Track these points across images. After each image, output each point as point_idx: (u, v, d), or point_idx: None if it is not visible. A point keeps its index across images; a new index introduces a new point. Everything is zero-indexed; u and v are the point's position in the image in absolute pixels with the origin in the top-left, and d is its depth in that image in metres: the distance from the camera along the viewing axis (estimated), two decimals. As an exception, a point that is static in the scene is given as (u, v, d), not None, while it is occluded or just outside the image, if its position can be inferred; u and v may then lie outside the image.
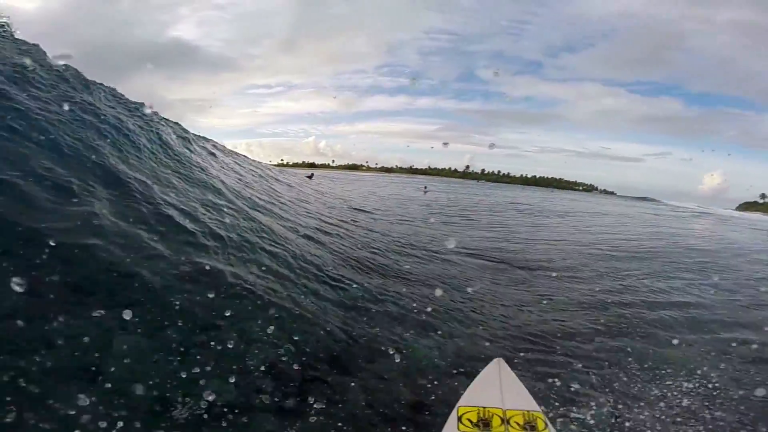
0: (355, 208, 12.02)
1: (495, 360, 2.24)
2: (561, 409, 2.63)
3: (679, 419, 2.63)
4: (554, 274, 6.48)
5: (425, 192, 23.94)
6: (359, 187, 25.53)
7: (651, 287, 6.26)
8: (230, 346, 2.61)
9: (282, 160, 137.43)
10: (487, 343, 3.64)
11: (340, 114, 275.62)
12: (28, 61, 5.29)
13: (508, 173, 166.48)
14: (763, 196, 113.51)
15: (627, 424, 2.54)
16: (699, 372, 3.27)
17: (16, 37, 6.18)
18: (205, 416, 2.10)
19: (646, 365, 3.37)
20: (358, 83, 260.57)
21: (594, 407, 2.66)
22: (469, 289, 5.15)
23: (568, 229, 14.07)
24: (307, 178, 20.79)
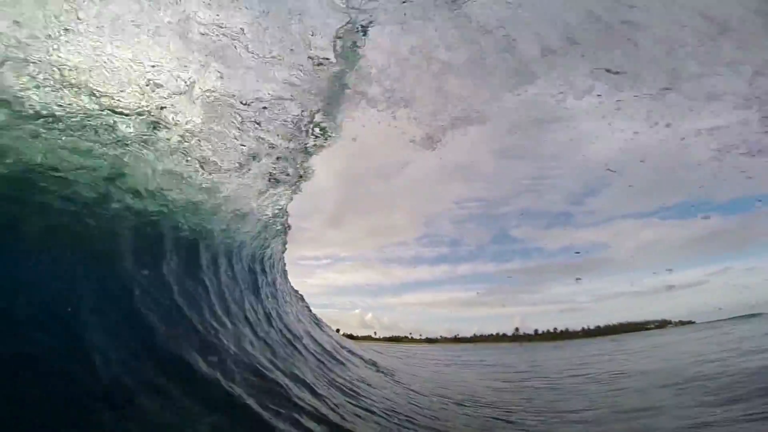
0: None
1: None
2: None
3: None
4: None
5: None
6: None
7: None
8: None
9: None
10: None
11: (386, 286, 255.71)
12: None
13: (566, 329, 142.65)
14: None
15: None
16: None
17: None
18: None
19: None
20: (401, 255, 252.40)
21: None
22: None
23: None
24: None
